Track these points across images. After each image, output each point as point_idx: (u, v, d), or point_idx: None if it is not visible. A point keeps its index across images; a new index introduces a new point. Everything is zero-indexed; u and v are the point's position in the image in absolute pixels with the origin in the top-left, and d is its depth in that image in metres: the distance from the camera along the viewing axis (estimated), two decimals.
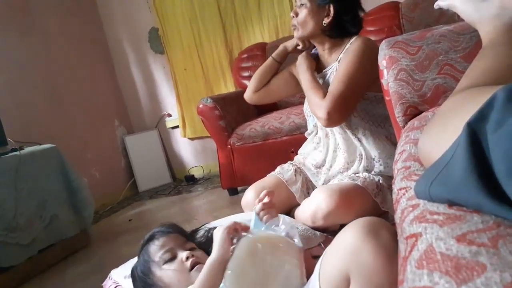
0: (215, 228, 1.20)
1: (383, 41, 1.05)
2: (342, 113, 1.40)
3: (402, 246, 0.42)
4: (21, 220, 1.85)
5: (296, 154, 1.76)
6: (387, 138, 1.49)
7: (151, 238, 1.00)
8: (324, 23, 1.45)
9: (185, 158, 3.66)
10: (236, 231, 0.89)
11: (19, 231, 1.83)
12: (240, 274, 0.80)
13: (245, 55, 2.90)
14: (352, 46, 1.44)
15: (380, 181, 1.43)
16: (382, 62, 1.03)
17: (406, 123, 1.00)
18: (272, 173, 1.65)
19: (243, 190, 1.72)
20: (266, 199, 1.06)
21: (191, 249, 0.97)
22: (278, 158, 1.87)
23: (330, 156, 1.54)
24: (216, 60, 3.32)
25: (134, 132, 3.70)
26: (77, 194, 2.17)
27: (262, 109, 2.63)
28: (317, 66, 1.63)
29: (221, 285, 0.79)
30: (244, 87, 2.89)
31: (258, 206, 1.04)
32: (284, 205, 1.57)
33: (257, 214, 1.03)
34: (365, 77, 1.37)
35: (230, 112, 2.47)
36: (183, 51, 3.39)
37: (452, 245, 0.32)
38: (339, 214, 1.34)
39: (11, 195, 1.83)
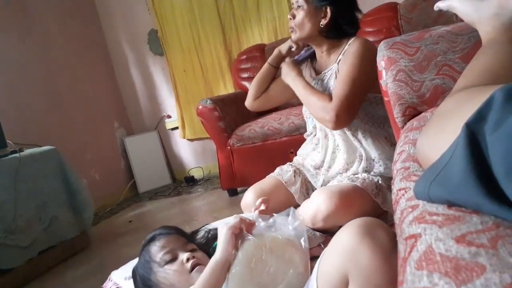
0: (215, 229, 1.20)
1: (382, 42, 1.05)
2: (350, 114, 1.41)
3: (401, 247, 0.42)
4: (21, 222, 1.85)
5: (296, 155, 1.76)
6: (387, 139, 1.49)
7: (152, 239, 1.01)
8: (322, 25, 1.46)
9: (185, 159, 3.66)
10: (241, 231, 0.87)
11: (19, 233, 1.83)
12: (243, 277, 0.80)
13: (244, 57, 2.90)
14: (351, 47, 1.44)
15: (380, 182, 1.43)
16: (381, 63, 1.03)
17: (405, 123, 1.00)
18: (271, 174, 1.65)
19: (243, 191, 1.72)
20: (262, 207, 1.06)
21: (192, 251, 0.97)
22: (278, 159, 1.87)
23: (328, 157, 1.55)
24: (216, 62, 3.32)
25: (134, 133, 3.70)
26: (77, 196, 2.17)
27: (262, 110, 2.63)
28: (315, 68, 1.63)
29: (223, 286, 0.79)
30: (243, 88, 2.90)
31: (255, 214, 1.04)
32: (283, 206, 1.56)
33: (254, 210, 1.05)
34: (367, 78, 1.38)
35: (229, 113, 2.48)
36: (182, 52, 3.39)
37: (452, 246, 0.32)
38: (338, 215, 1.34)
39: (10, 197, 1.83)
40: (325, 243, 1.34)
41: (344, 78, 1.39)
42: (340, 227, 1.42)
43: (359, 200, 1.38)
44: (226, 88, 3.31)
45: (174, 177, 3.66)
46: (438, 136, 0.48)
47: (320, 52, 1.56)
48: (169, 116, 3.63)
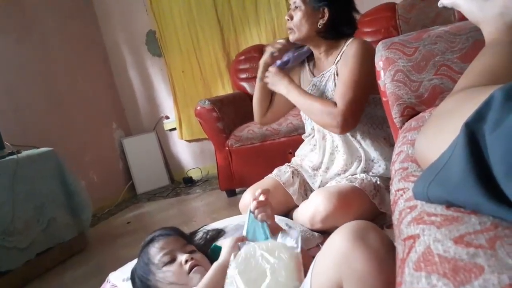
0: (213, 230, 1.20)
1: (380, 43, 1.05)
2: (356, 118, 1.41)
3: (400, 248, 0.41)
4: (19, 224, 1.84)
5: (294, 155, 1.76)
6: (386, 140, 1.49)
7: (151, 241, 1.00)
8: (319, 25, 1.45)
9: (183, 160, 3.66)
10: (243, 240, 0.93)
11: (17, 235, 1.82)
12: (236, 274, 0.81)
13: (242, 57, 2.90)
14: (351, 49, 1.44)
15: (378, 182, 1.43)
16: (379, 63, 1.03)
17: (403, 124, 1.00)
18: (270, 175, 1.65)
19: (241, 192, 1.72)
20: (261, 197, 1.07)
21: (190, 252, 0.97)
22: (276, 159, 1.87)
23: (327, 158, 1.54)
24: (214, 62, 3.32)
25: (132, 134, 3.70)
26: (75, 197, 2.17)
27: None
28: (313, 69, 1.63)
29: None
30: (242, 89, 2.90)
31: (253, 204, 1.05)
32: (282, 207, 1.57)
33: (252, 212, 1.05)
34: (368, 79, 1.38)
35: (228, 114, 2.47)
36: (180, 53, 3.38)
37: (450, 247, 0.32)
38: (337, 216, 1.34)
39: (8, 199, 1.82)
40: (324, 243, 1.34)
41: (347, 82, 1.38)
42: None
43: (358, 201, 1.38)
44: (225, 89, 3.30)
45: (172, 178, 3.66)
46: (437, 136, 0.48)
47: (318, 53, 1.56)
48: (167, 117, 3.62)
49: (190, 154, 3.61)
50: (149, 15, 3.42)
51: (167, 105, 3.62)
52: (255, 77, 1.54)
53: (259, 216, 1.04)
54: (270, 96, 1.71)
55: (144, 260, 0.99)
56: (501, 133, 0.32)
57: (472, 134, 0.35)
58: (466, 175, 0.33)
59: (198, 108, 2.44)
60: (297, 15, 1.46)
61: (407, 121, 1.00)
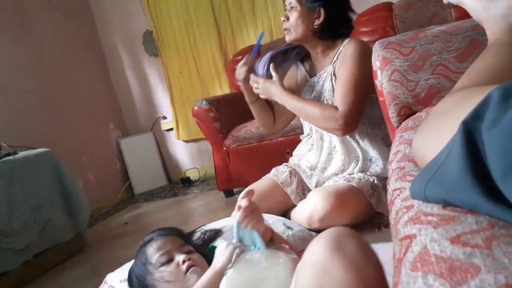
0: (211, 230, 1.20)
1: (377, 42, 1.05)
2: (358, 118, 1.41)
3: (396, 248, 0.42)
4: (16, 225, 1.83)
5: (291, 155, 1.76)
6: (383, 139, 1.50)
7: (149, 241, 1.00)
8: (315, 26, 1.45)
9: (181, 160, 3.65)
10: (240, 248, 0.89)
11: (14, 236, 1.82)
12: (233, 276, 0.81)
13: (239, 57, 2.89)
14: (348, 50, 1.44)
15: (375, 181, 1.43)
16: (376, 63, 1.03)
17: (400, 123, 1.01)
18: (267, 175, 1.65)
19: (239, 192, 1.72)
20: (244, 203, 0.94)
21: (188, 252, 0.97)
22: (274, 159, 1.87)
23: (324, 158, 1.55)
24: (211, 62, 3.31)
25: (129, 135, 3.69)
26: (72, 198, 2.16)
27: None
28: (310, 70, 1.63)
29: None
30: (239, 89, 2.87)
31: (239, 215, 0.92)
32: (280, 206, 1.57)
33: (240, 223, 0.92)
34: (367, 79, 1.38)
35: (225, 114, 2.47)
36: (178, 53, 3.38)
37: (446, 247, 0.32)
38: (334, 216, 1.34)
39: (5, 200, 1.81)
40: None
41: (346, 83, 1.38)
42: None
43: (355, 200, 1.38)
44: (222, 88, 3.30)
45: (170, 178, 3.65)
46: (434, 135, 0.48)
47: (315, 54, 1.56)
48: (164, 117, 3.62)
49: (188, 154, 3.61)
50: (146, 15, 3.41)
51: (164, 104, 3.61)
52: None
53: (249, 226, 0.93)
54: (268, 108, 1.70)
55: (141, 260, 0.99)
56: (497, 132, 0.32)
57: (470, 132, 0.35)
58: (464, 175, 0.33)
59: (195, 108, 2.44)
60: (293, 16, 1.46)
61: (404, 120, 1.00)
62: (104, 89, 3.60)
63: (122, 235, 2.34)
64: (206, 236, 1.14)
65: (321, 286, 0.60)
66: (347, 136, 1.49)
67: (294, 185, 1.58)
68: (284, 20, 1.49)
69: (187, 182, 3.35)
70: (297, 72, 1.68)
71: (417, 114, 0.96)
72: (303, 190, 1.59)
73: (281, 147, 2.19)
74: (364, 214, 1.43)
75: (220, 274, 0.84)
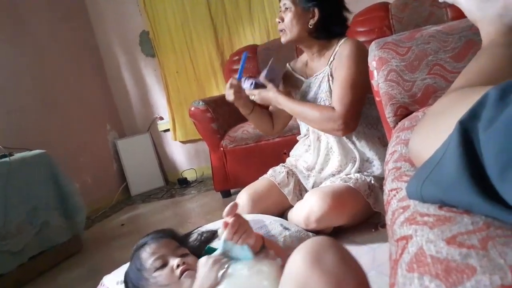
0: (208, 231, 1.20)
1: (373, 42, 1.05)
2: (357, 119, 1.41)
3: (393, 249, 0.41)
4: (11, 227, 1.82)
5: (288, 155, 1.76)
6: (380, 140, 1.50)
7: (143, 245, 0.99)
8: (310, 25, 1.46)
9: (178, 161, 3.64)
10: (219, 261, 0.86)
11: (9, 238, 1.81)
12: None
13: (236, 57, 2.89)
14: (344, 50, 1.44)
15: (372, 182, 1.43)
16: (372, 63, 1.03)
17: (397, 123, 1.00)
18: (264, 175, 1.65)
19: (236, 192, 1.72)
20: (230, 220, 0.88)
21: (183, 255, 0.96)
22: (271, 160, 1.87)
23: (321, 159, 1.55)
24: (208, 63, 3.31)
25: (126, 135, 3.68)
26: (69, 200, 2.15)
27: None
28: (307, 70, 1.63)
29: None
30: None
31: (226, 233, 0.87)
32: (277, 207, 1.57)
33: (229, 240, 0.87)
34: (364, 79, 1.39)
35: (222, 115, 2.47)
36: (174, 53, 3.37)
37: (442, 247, 0.32)
38: (331, 216, 1.34)
39: (0, 202, 1.81)
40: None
41: (344, 84, 1.38)
42: (334, 228, 1.42)
43: (352, 201, 1.38)
44: (219, 89, 3.30)
45: (167, 179, 3.64)
46: (431, 135, 0.48)
47: (311, 54, 1.56)
48: (161, 118, 3.61)
49: (185, 155, 3.60)
50: (143, 16, 3.41)
51: (161, 105, 3.60)
52: (249, 77, 1.54)
53: (239, 241, 0.87)
54: (264, 114, 1.71)
55: (136, 265, 0.98)
56: (494, 131, 0.32)
57: (466, 132, 0.35)
58: (460, 174, 0.33)
59: (192, 109, 2.43)
60: (288, 16, 1.46)
61: (400, 120, 1.00)
62: (100, 90, 3.60)
63: (119, 237, 2.33)
64: (202, 238, 1.14)
65: None
66: (344, 137, 1.49)
67: (291, 186, 1.58)
68: (279, 21, 1.49)
69: (184, 183, 3.34)
70: (293, 73, 1.68)
71: (414, 114, 0.96)
72: (300, 191, 1.59)
73: (278, 147, 2.19)
74: (361, 215, 1.43)
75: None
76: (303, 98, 1.56)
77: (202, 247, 1.05)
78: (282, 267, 0.74)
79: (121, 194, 3.42)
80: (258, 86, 1.53)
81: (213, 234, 1.18)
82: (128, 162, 3.51)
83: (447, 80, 0.96)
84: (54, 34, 3.16)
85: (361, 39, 2.28)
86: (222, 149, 2.39)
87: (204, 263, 0.86)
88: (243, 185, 1.68)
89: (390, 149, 0.78)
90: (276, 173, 1.62)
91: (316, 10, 1.44)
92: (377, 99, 1.06)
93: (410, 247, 0.36)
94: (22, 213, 1.89)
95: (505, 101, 0.33)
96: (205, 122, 2.41)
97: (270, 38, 3.03)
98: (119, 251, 2.04)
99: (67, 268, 1.99)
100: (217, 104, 2.50)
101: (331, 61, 1.49)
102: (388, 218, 0.50)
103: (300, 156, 1.65)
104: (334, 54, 1.48)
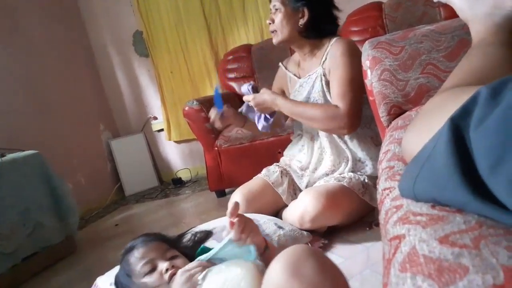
0: (201, 231, 1.19)
1: (366, 42, 1.06)
2: (359, 117, 1.41)
3: (386, 248, 0.41)
4: (4, 229, 1.81)
5: (283, 155, 1.76)
6: (372, 139, 1.50)
7: (131, 249, 0.99)
8: (300, 25, 1.46)
9: (172, 161, 3.63)
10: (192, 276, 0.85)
11: (2, 240, 1.79)
12: None
13: (230, 57, 2.89)
14: (337, 49, 1.44)
15: (366, 180, 1.44)
16: (366, 62, 1.04)
17: (390, 122, 1.01)
18: (258, 175, 1.65)
19: (231, 192, 1.72)
20: (235, 219, 0.87)
21: (172, 258, 0.95)
22: (265, 159, 1.87)
23: (315, 158, 1.55)
24: (202, 62, 3.30)
25: (120, 136, 3.66)
26: (62, 201, 2.13)
27: None
28: (299, 70, 1.63)
29: None
30: (230, 89, 2.89)
31: (234, 233, 0.85)
32: (271, 206, 1.57)
33: (236, 241, 0.86)
34: (360, 78, 1.39)
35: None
36: (168, 53, 3.36)
37: (435, 247, 0.32)
38: (326, 216, 1.34)
39: None
40: (312, 242, 1.34)
41: (343, 82, 1.38)
42: (329, 227, 1.42)
43: (346, 200, 1.38)
44: (213, 88, 3.28)
45: (161, 179, 3.63)
46: (423, 133, 0.48)
47: (303, 54, 1.56)
48: (155, 118, 3.60)
49: (179, 154, 3.59)
50: (136, 16, 3.39)
51: (154, 105, 3.59)
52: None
53: (248, 240, 0.86)
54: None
55: (125, 270, 0.97)
56: (485, 130, 0.32)
57: (457, 129, 0.35)
58: (452, 172, 0.33)
59: (186, 108, 2.43)
60: (278, 17, 1.47)
61: (394, 120, 1.00)
62: (94, 90, 3.57)
63: (113, 237, 2.32)
64: (196, 238, 1.14)
65: None
66: (336, 137, 1.49)
67: (285, 185, 1.58)
68: (270, 23, 1.51)
69: (178, 182, 3.33)
70: (285, 74, 1.68)
71: (407, 113, 0.96)
72: (295, 190, 1.59)
73: (273, 147, 2.19)
74: (355, 214, 1.44)
75: None
76: (296, 98, 1.56)
77: (196, 247, 1.05)
78: (262, 272, 0.74)
79: (115, 194, 3.40)
80: (254, 89, 1.54)
81: (207, 234, 1.18)
82: (122, 162, 3.49)
83: (440, 79, 0.96)
84: (47, 34, 3.13)
85: (355, 38, 2.28)
86: (216, 148, 2.39)
87: (179, 276, 0.86)
88: (237, 185, 1.68)
89: (383, 148, 0.78)
90: (270, 173, 1.62)
91: (305, 10, 1.45)
92: (370, 98, 1.07)
93: (403, 246, 0.36)
94: (14, 214, 1.88)
95: (497, 100, 0.33)
96: (199, 121, 2.40)
97: (264, 37, 3.03)
98: (113, 251, 2.02)
99: (60, 269, 1.97)
100: (211, 104, 2.48)
101: (324, 61, 1.49)
102: (382, 217, 0.50)
103: (294, 156, 1.65)
104: (326, 53, 1.49)
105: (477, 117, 0.33)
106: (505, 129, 0.29)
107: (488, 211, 0.32)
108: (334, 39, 1.48)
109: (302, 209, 1.35)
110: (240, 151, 2.34)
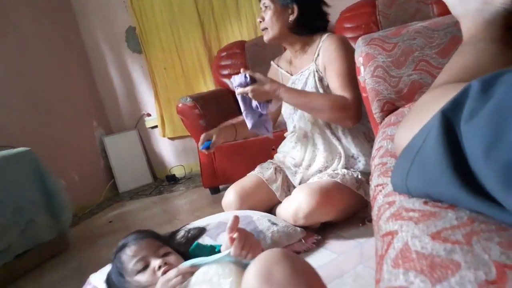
0: (195, 228, 1.19)
1: (360, 38, 1.06)
2: (361, 108, 1.41)
3: (379, 244, 0.41)
4: None
5: (276, 152, 1.76)
6: (365, 135, 1.51)
7: (123, 247, 0.98)
8: (290, 21, 1.47)
9: (166, 158, 3.62)
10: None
11: None
12: None
13: (224, 53, 2.87)
14: (330, 44, 1.44)
15: (359, 176, 1.44)
16: (359, 59, 1.04)
17: (383, 119, 1.01)
18: (252, 172, 1.65)
19: (225, 189, 1.72)
20: (235, 235, 0.83)
21: (164, 255, 0.95)
22: (259, 156, 1.87)
23: (308, 155, 1.55)
24: (195, 59, 3.28)
25: (113, 132, 3.64)
26: (54, 198, 2.12)
27: None
28: (291, 67, 1.63)
29: None
30: (224, 86, 2.88)
31: (234, 248, 0.81)
32: (265, 203, 1.57)
33: (237, 256, 0.82)
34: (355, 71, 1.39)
35: (210, 111, 2.45)
36: (162, 50, 3.34)
37: (427, 243, 0.32)
38: (319, 212, 1.35)
39: None
40: (306, 238, 1.34)
41: (343, 74, 1.38)
42: (322, 223, 1.43)
43: (340, 196, 1.39)
44: (207, 85, 3.28)
45: (155, 176, 3.62)
46: (416, 129, 0.48)
47: (294, 51, 1.56)
48: (148, 115, 3.58)
49: (173, 151, 3.58)
50: (129, 11, 3.36)
51: (148, 101, 3.57)
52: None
53: (249, 256, 0.82)
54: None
55: (117, 268, 0.97)
56: (476, 123, 0.32)
57: (448, 122, 0.35)
58: (443, 167, 0.33)
59: (180, 105, 2.42)
60: (268, 15, 1.48)
61: (387, 116, 1.00)
62: (87, 87, 3.55)
63: (107, 234, 2.31)
64: (189, 235, 1.13)
65: None
66: (329, 134, 1.50)
67: (279, 182, 1.58)
68: (261, 21, 1.51)
69: (172, 179, 3.32)
70: (277, 72, 1.68)
71: (400, 109, 0.97)
72: (289, 187, 1.59)
73: (267, 144, 2.19)
74: (349, 210, 1.44)
75: None
76: None
77: (190, 244, 1.05)
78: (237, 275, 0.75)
79: (108, 191, 3.39)
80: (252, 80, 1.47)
81: (200, 231, 1.18)
82: (116, 159, 3.47)
83: (433, 75, 0.97)
84: (38, 30, 3.10)
85: (348, 35, 2.28)
86: None
87: (159, 286, 0.85)
88: (231, 182, 1.68)
89: (376, 144, 0.78)
90: (263, 170, 1.62)
91: (295, 6, 1.45)
92: (363, 95, 1.07)
93: (396, 242, 0.36)
94: (6, 211, 1.86)
95: (488, 94, 0.33)
96: (193, 118, 2.39)
97: (257, 34, 3.02)
98: (106, 249, 2.01)
99: (53, 267, 1.96)
100: (205, 101, 2.48)
101: (316, 57, 1.49)
102: (374, 213, 0.50)
103: (288, 153, 1.65)
104: (318, 50, 1.49)
105: (468, 110, 0.33)
106: (496, 122, 0.29)
107: (480, 206, 0.32)
108: (325, 35, 1.48)
109: (296, 206, 1.35)
110: (234, 148, 2.33)
